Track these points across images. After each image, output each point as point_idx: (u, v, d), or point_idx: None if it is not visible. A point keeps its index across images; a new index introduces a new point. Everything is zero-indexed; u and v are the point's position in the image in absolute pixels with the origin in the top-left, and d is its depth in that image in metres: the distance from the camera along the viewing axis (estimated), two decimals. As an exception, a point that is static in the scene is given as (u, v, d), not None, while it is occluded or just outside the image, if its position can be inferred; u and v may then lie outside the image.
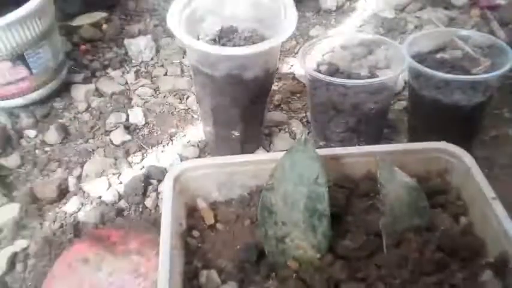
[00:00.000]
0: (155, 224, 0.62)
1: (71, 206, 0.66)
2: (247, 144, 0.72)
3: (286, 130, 0.78)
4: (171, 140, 0.77)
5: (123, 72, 0.92)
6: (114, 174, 0.71)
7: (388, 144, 0.65)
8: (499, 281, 0.42)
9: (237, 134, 0.69)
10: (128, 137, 0.77)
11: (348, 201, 0.50)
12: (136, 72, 0.93)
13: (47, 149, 0.77)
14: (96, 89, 0.88)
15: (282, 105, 0.83)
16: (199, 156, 0.74)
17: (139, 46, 0.95)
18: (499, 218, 0.44)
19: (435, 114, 0.65)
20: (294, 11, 0.62)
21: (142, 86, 0.89)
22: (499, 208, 0.45)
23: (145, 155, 0.75)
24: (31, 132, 0.79)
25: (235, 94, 0.64)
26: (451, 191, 0.52)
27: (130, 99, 0.86)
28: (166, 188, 0.49)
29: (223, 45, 0.66)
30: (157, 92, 0.88)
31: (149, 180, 0.69)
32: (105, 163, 0.72)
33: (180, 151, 0.75)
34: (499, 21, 0.98)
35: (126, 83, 0.90)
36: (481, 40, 0.67)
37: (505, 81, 0.79)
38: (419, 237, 0.45)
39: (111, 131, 0.79)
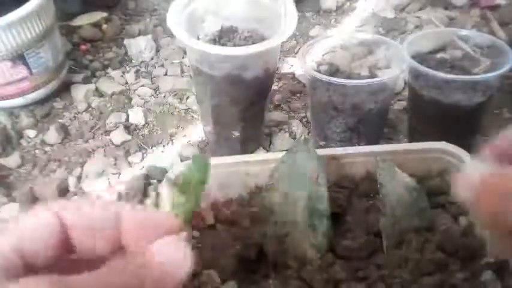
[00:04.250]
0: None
1: (71, 206, 0.66)
2: (247, 144, 0.72)
3: (286, 130, 0.78)
4: (171, 140, 0.78)
5: (123, 72, 0.92)
6: (114, 174, 0.71)
7: (388, 144, 0.65)
8: (499, 282, 0.42)
9: (237, 134, 0.69)
10: (128, 137, 0.77)
11: (348, 201, 0.50)
12: (137, 72, 0.93)
13: (47, 149, 0.77)
14: (96, 89, 0.88)
15: (282, 105, 0.83)
16: (199, 156, 0.74)
17: (139, 46, 0.95)
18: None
19: (435, 114, 0.65)
20: (294, 11, 0.62)
21: (142, 86, 0.89)
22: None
23: (145, 155, 0.75)
24: (31, 132, 0.79)
25: (235, 94, 0.64)
26: (450, 191, 0.52)
27: (131, 99, 0.86)
28: (166, 188, 0.49)
29: (223, 45, 0.66)
30: (157, 92, 0.88)
31: (149, 180, 0.69)
32: (105, 163, 0.72)
33: (180, 151, 0.75)
34: (499, 21, 0.98)
35: (126, 83, 0.90)
36: (481, 40, 0.67)
37: (505, 81, 0.79)
38: (419, 237, 0.45)
39: (111, 131, 0.79)
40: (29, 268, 0.24)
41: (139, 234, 0.26)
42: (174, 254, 0.25)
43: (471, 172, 0.29)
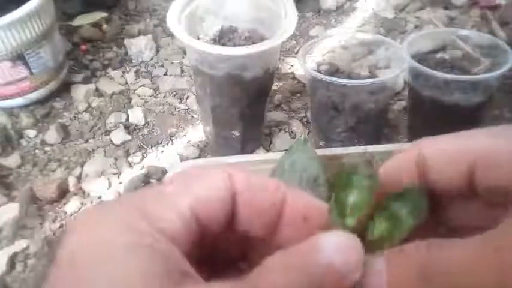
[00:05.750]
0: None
1: (71, 206, 0.66)
2: (247, 144, 0.72)
3: (286, 130, 0.78)
4: (171, 140, 0.78)
5: (123, 72, 0.92)
6: (114, 174, 0.71)
7: (388, 144, 0.65)
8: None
9: (237, 134, 0.69)
10: (128, 137, 0.77)
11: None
12: (136, 72, 0.93)
13: (47, 149, 0.77)
14: (96, 89, 0.88)
15: (282, 105, 0.83)
16: (199, 156, 0.74)
17: (139, 46, 0.95)
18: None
19: (435, 114, 0.65)
20: (294, 11, 0.62)
21: (142, 86, 0.89)
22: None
23: (145, 155, 0.75)
24: (31, 132, 0.79)
25: (235, 94, 0.64)
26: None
27: (130, 99, 0.86)
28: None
29: (223, 45, 0.66)
30: (157, 92, 0.88)
31: (149, 180, 0.69)
32: (105, 163, 0.72)
33: (180, 151, 0.75)
34: (499, 21, 0.98)
35: (126, 83, 0.90)
36: (481, 40, 0.67)
37: (505, 81, 0.79)
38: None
39: (111, 131, 0.79)
40: (203, 235, 0.22)
41: (299, 224, 0.23)
42: (346, 254, 0.21)
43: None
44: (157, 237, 0.20)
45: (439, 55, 0.68)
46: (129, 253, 0.19)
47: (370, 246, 0.23)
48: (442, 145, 0.25)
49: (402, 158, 0.26)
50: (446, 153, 0.24)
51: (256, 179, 0.24)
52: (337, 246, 0.21)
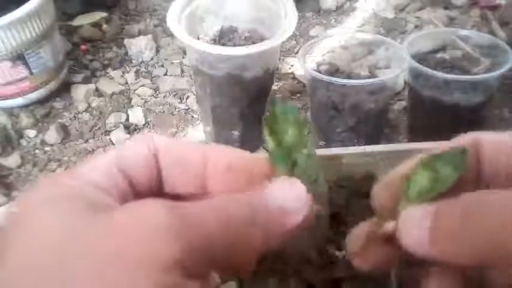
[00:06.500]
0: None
1: (71, 206, 0.66)
2: (247, 144, 0.72)
3: (286, 130, 0.77)
4: (171, 140, 0.77)
5: (123, 72, 0.92)
6: (114, 174, 0.71)
7: (388, 144, 0.65)
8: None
9: (237, 134, 0.69)
10: (128, 137, 0.77)
11: (347, 201, 0.50)
12: (136, 72, 0.93)
13: (47, 149, 0.77)
14: (96, 89, 0.88)
15: (282, 105, 0.82)
16: (199, 156, 0.74)
17: (139, 46, 0.95)
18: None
19: (435, 114, 0.65)
20: (294, 11, 0.62)
21: (143, 86, 0.89)
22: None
23: (145, 155, 0.75)
24: (31, 132, 0.79)
25: (235, 94, 0.64)
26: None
27: (130, 99, 0.86)
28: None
29: (223, 45, 0.66)
30: (157, 92, 0.88)
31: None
32: (105, 163, 0.72)
33: (180, 151, 0.75)
34: (499, 21, 0.98)
35: (126, 83, 0.90)
36: (481, 40, 0.67)
37: (505, 81, 0.79)
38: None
39: (111, 131, 0.79)
40: (138, 195, 0.23)
41: (225, 175, 0.24)
42: (290, 197, 0.22)
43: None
44: (81, 187, 0.21)
45: (439, 55, 0.68)
46: (49, 204, 0.20)
47: (411, 199, 0.24)
48: (498, 140, 0.26)
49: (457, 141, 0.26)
50: (501, 147, 0.25)
51: (177, 141, 0.25)
52: (282, 187, 0.22)
